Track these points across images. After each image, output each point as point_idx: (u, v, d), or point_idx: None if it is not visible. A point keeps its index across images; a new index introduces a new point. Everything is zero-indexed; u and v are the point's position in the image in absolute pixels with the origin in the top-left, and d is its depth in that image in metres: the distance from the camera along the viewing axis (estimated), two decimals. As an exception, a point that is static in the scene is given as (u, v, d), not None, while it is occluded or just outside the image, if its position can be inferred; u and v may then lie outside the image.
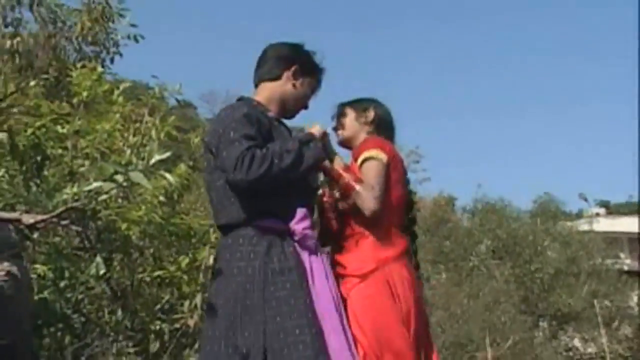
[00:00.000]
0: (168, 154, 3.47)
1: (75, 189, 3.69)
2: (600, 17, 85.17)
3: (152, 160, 3.41)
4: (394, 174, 3.36)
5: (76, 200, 3.62)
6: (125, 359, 4.67)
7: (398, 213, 3.39)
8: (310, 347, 2.77)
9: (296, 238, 2.99)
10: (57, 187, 4.40)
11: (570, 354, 18.57)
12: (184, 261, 4.87)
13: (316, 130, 3.16)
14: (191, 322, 4.87)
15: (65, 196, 3.76)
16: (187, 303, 4.92)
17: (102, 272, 4.61)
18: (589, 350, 18.39)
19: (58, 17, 7.43)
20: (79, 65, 5.66)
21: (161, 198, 4.92)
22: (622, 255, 30.40)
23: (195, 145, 6.85)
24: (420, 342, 3.25)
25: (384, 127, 3.60)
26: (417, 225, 3.65)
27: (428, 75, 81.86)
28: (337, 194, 3.32)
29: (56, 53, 7.38)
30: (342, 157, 3.41)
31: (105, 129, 4.91)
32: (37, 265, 4.46)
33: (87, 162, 4.74)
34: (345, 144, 3.58)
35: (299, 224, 3.01)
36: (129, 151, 4.90)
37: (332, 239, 3.41)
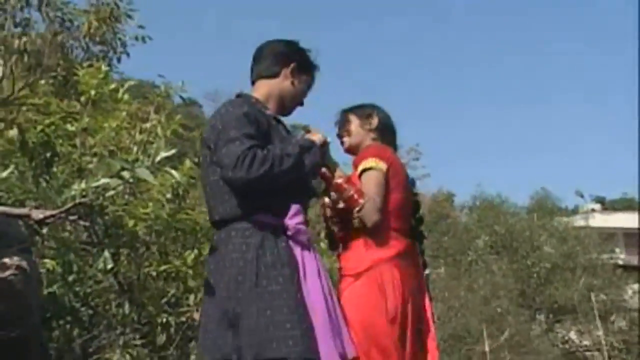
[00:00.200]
0: (174, 151, 3.47)
1: (83, 185, 3.69)
2: (598, 14, 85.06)
3: (158, 157, 3.40)
4: (394, 179, 3.36)
5: (84, 196, 3.62)
6: (132, 351, 4.68)
7: (398, 216, 3.38)
8: (300, 343, 2.75)
9: (289, 233, 2.97)
10: (66, 183, 4.40)
11: (567, 346, 18.60)
12: (190, 256, 4.88)
13: (317, 137, 3.15)
14: (197, 316, 4.87)
15: (73, 192, 3.76)
16: (192, 297, 4.93)
17: (109, 266, 4.61)
18: (585, 342, 18.41)
19: (66, 16, 7.43)
20: (85, 64, 5.67)
21: (167, 195, 4.92)
22: (617, 250, 30.36)
23: (199, 142, 6.86)
24: (414, 338, 3.26)
25: (387, 132, 3.61)
26: (424, 226, 3.65)
27: (427, 73, 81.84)
28: (340, 205, 3.32)
29: (64, 52, 7.39)
30: (342, 168, 3.39)
31: (112, 126, 4.91)
32: (46, 260, 4.46)
33: (95, 159, 4.74)
34: (352, 150, 3.58)
35: (293, 219, 2.99)
36: (135, 148, 4.90)
37: (337, 243, 3.44)
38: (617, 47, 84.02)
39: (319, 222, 3.81)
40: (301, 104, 3.33)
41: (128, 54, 7.59)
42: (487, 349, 10.85)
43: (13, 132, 4.59)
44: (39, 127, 4.63)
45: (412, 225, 3.51)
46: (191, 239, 5.14)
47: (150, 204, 4.75)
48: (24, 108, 4.83)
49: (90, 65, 5.39)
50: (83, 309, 4.90)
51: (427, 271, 3.54)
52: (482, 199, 23.89)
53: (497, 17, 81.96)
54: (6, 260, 3.37)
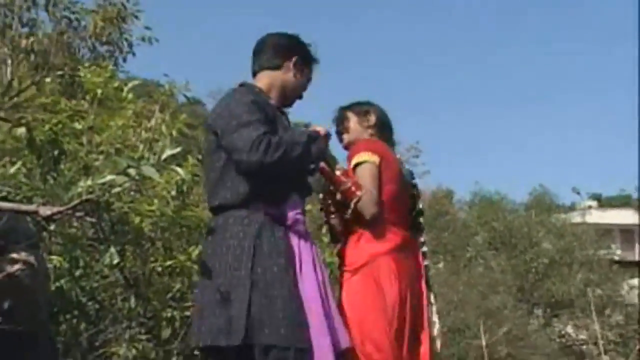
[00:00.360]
0: (179, 149, 3.47)
1: (90, 182, 3.69)
2: (598, 12, 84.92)
3: (164, 155, 3.41)
4: (387, 171, 3.36)
5: (91, 193, 3.62)
6: (138, 345, 4.69)
7: (393, 208, 3.38)
8: (292, 332, 2.76)
9: (288, 223, 2.97)
10: (73, 180, 4.40)
11: (564, 340, 18.60)
12: (194, 251, 4.87)
13: (321, 129, 3.16)
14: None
15: (80, 189, 3.76)
16: (196, 295, 4.92)
17: (115, 261, 4.60)
18: (582, 336, 18.42)
19: (73, 15, 7.43)
20: (88, 64, 5.67)
21: (172, 192, 4.92)
22: (613, 246, 30.37)
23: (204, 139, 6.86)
24: (411, 330, 3.27)
25: (384, 129, 3.62)
26: (423, 217, 3.66)
27: (427, 72, 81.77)
28: (338, 197, 3.32)
29: (70, 52, 7.39)
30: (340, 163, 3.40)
31: (118, 125, 4.91)
32: (54, 256, 4.47)
33: (101, 157, 4.74)
34: (350, 147, 3.58)
35: (291, 209, 3.00)
36: (141, 146, 4.90)
37: (338, 237, 3.45)
38: (615, 45, 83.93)
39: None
40: (300, 97, 3.33)
41: (134, 54, 7.59)
42: (485, 342, 10.85)
43: (21, 131, 4.59)
44: (47, 126, 4.63)
45: (411, 218, 3.52)
46: (195, 235, 5.13)
47: (156, 200, 4.75)
48: (31, 108, 4.83)
49: (98, 65, 5.39)
50: (90, 303, 4.91)
51: (426, 262, 3.54)
52: (481, 196, 23.89)
53: (496, 16, 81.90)
54: (14, 255, 3.38)
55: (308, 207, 3.60)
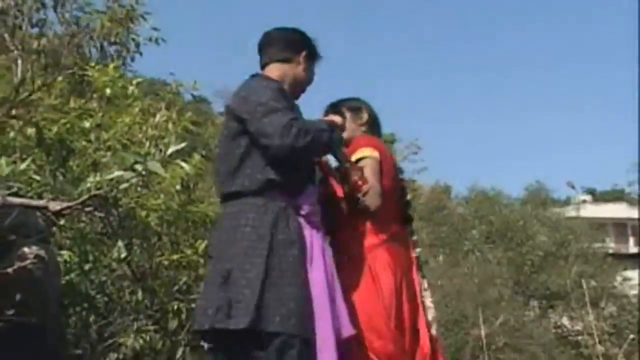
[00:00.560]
0: (184, 144, 3.47)
1: (98, 178, 3.70)
2: (594, 9, 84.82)
3: (169, 151, 3.41)
4: (384, 167, 3.37)
5: (99, 189, 3.63)
6: (146, 336, 4.69)
7: (388, 201, 3.38)
8: (300, 321, 2.74)
9: (302, 213, 2.95)
10: (81, 176, 4.41)
11: (559, 331, 18.59)
12: (200, 245, 4.88)
13: (337, 118, 3.16)
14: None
15: (88, 185, 3.77)
16: (203, 284, 4.93)
17: (123, 255, 4.62)
18: (576, 327, 18.41)
19: (81, 18, 7.43)
20: (100, 63, 5.68)
21: (178, 187, 4.92)
22: (607, 239, 30.41)
23: (209, 136, 6.86)
24: (411, 319, 3.27)
25: (375, 126, 3.62)
26: (412, 209, 3.66)
27: (426, 70, 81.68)
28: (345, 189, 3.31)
29: (79, 52, 7.39)
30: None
31: (125, 122, 4.91)
32: (63, 250, 4.48)
33: (109, 154, 4.74)
34: (345, 143, 3.58)
35: (307, 200, 2.98)
36: (147, 143, 4.90)
37: (336, 227, 3.44)
38: (614, 44, 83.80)
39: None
40: (304, 91, 3.32)
41: (141, 54, 7.60)
42: (482, 333, 10.85)
43: (31, 130, 4.60)
44: (56, 126, 4.63)
45: (401, 209, 3.53)
46: (201, 230, 5.14)
47: (161, 195, 4.75)
48: (41, 108, 4.83)
49: (105, 65, 5.39)
50: (98, 296, 4.92)
51: (417, 249, 3.54)
52: (477, 191, 23.87)
53: (495, 15, 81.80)
54: (25, 249, 3.39)
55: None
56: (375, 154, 3.33)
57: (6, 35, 6.95)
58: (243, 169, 2.93)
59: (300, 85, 3.24)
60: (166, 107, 5.31)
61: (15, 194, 3.53)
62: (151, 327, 4.77)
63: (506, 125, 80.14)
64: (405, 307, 3.25)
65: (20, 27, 7.18)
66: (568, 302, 18.31)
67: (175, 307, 4.86)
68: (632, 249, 38.35)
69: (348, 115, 3.55)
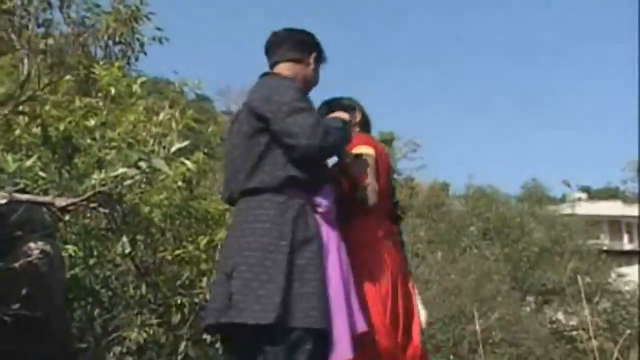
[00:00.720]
0: (187, 142, 3.47)
1: (102, 175, 3.70)
2: (594, 4, 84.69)
3: (173, 149, 3.41)
4: (380, 166, 3.37)
5: (103, 185, 3.64)
6: (149, 330, 4.69)
7: (383, 199, 3.39)
8: (321, 315, 2.72)
9: (320, 210, 2.93)
10: (86, 173, 4.42)
11: (554, 326, 18.60)
12: (202, 241, 4.88)
13: (344, 115, 3.15)
14: (209, 297, 4.88)
15: (93, 181, 3.77)
16: (205, 279, 4.93)
17: (127, 251, 4.63)
18: (571, 322, 18.42)
19: (87, 18, 7.45)
20: (104, 63, 5.68)
21: (180, 183, 4.92)
22: (601, 236, 30.42)
23: (210, 135, 6.84)
24: (403, 314, 3.27)
25: (366, 125, 3.62)
26: (400, 209, 3.66)
27: (425, 69, 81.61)
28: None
29: (84, 51, 7.40)
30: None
31: (130, 120, 4.91)
32: (69, 245, 4.48)
33: (113, 151, 4.74)
34: None
35: (325, 198, 2.96)
36: (151, 141, 4.90)
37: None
38: (612, 42, 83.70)
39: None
40: (310, 91, 3.31)
41: (145, 53, 7.61)
42: (479, 328, 10.85)
43: (37, 128, 4.60)
44: (62, 124, 4.63)
45: (390, 208, 3.52)
46: (203, 226, 5.14)
47: (164, 192, 4.75)
48: (47, 106, 4.83)
49: (111, 64, 5.39)
50: (103, 290, 4.92)
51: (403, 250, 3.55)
52: (475, 188, 23.88)
53: (493, 15, 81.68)
54: (31, 245, 3.39)
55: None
56: (372, 152, 3.33)
57: (13, 35, 6.97)
58: (262, 166, 2.89)
59: (308, 86, 3.22)
60: (170, 105, 5.31)
61: (22, 191, 3.53)
62: (154, 321, 4.77)
63: (504, 124, 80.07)
64: (400, 303, 3.25)
65: (27, 27, 7.19)
66: (563, 298, 18.32)
67: (178, 301, 4.87)
68: (627, 246, 38.42)
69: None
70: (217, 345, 4.91)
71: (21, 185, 3.60)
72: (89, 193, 3.60)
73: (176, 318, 4.85)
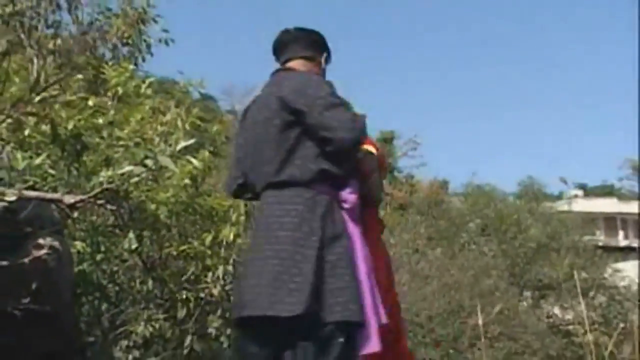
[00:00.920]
0: (192, 141, 3.46)
1: (110, 173, 3.70)
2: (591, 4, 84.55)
3: (179, 147, 3.40)
4: (380, 166, 3.39)
5: (111, 183, 3.64)
6: (155, 324, 4.69)
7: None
8: (357, 307, 2.70)
9: (346, 206, 2.89)
10: (94, 171, 4.42)
11: (551, 320, 18.60)
12: (207, 237, 4.87)
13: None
14: (214, 291, 4.89)
15: (101, 179, 3.77)
16: (210, 274, 4.93)
17: (134, 246, 4.62)
18: (568, 317, 18.42)
19: (98, 21, 7.48)
20: (112, 63, 5.69)
21: (186, 181, 4.92)
22: (597, 232, 30.41)
23: (215, 133, 6.84)
24: (397, 314, 3.29)
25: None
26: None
27: (425, 68, 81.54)
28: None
29: (92, 52, 7.42)
30: None
31: (137, 119, 4.91)
32: (77, 241, 4.48)
33: (121, 149, 4.74)
34: None
35: (352, 194, 2.91)
36: (158, 139, 4.90)
37: None
38: (610, 43, 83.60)
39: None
40: None
41: (152, 54, 7.64)
42: (479, 322, 10.86)
43: (46, 127, 4.60)
44: (72, 123, 4.63)
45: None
46: (208, 222, 5.14)
47: (170, 189, 4.75)
48: (57, 105, 4.83)
49: (119, 65, 5.40)
50: (110, 285, 4.93)
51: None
52: (474, 186, 23.88)
53: (492, 13, 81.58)
54: (40, 241, 3.39)
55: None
56: (374, 151, 3.34)
57: (23, 35, 6.97)
58: (292, 160, 2.84)
59: None
60: (175, 104, 5.31)
61: (31, 188, 3.53)
62: (161, 316, 4.77)
63: (503, 124, 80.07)
64: (394, 294, 3.27)
65: (36, 28, 7.21)
66: (560, 293, 18.32)
67: (184, 296, 4.87)
68: (622, 242, 38.42)
69: None
70: (222, 339, 4.92)
71: (30, 183, 3.59)
72: (97, 190, 3.60)
73: (182, 312, 4.85)
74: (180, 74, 5.96)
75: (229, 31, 79.05)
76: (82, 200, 3.51)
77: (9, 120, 3.46)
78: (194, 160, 4.59)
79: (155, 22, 7.46)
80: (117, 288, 4.97)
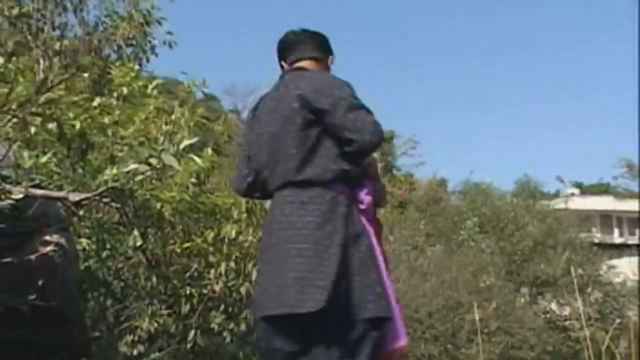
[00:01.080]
0: (196, 139, 3.45)
1: (115, 171, 3.70)
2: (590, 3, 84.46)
3: (182, 145, 3.39)
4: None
5: (116, 181, 3.63)
6: (159, 320, 4.70)
7: None
8: (387, 302, 2.70)
9: (362, 207, 2.86)
10: (99, 169, 4.41)
11: (548, 316, 18.62)
12: (210, 235, 4.88)
13: None
14: (217, 288, 4.89)
15: (106, 177, 3.77)
16: (213, 271, 4.94)
17: (138, 244, 4.62)
18: (564, 313, 18.44)
19: (105, 23, 7.50)
20: (118, 64, 5.70)
21: (191, 180, 4.92)
22: (593, 229, 30.40)
23: (218, 133, 6.85)
24: None
25: None
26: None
27: (424, 68, 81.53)
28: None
29: (97, 53, 7.43)
30: None
31: (141, 118, 4.91)
32: (82, 239, 4.48)
33: (125, 148, 4.74)
34: None
35: (368, 195, 2.89)
36: (162, 138, 4.90)
37: None
38: (608, 43, 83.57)
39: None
40: None
41: (156, 55, 7.66)
42: (477, 317, 10.87)
43: (52, 125, 4.60)
44: (78, 122, 4.63)
45: None
46: (211, 220, 5.14)
47: (174, 187, 4.75)
48: (62, 105, 4.83)
49: (124, 66, 5.40)
50: (115, 282, 4.93)
51: None
52: (472, 184, 23.89)
53: (489, 13, 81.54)
54: (47, 238, 3.39)
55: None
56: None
57: (29, 37, 6.98)
58: (312, 160, 2.80)
59: None
60: (179, 104, 5.31)
61: (37, 186, 3.53)
62: (165, 311, 4.78)
63: (501, 123, 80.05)
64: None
65: (43, 30, 7.22)
66: (556, 289, 18.35)
67: (187, 292, 4.88)
68: (617, 239, 38.44)
69: None
70: (225, 334, 4.93)
71: (37, 181, 3.59)
72: (102, 188, 3.59)
73: (185, 308, 4.86)
74: (184, 74, 5.97)
75: (229, 31, 79.01)
76: (87, 198, 3.51)
77: (15, 120, 3.45)
78: (197, 159, 4.59)
79: (160, 24, 7.49)
80: (122, 284, 4.97)
